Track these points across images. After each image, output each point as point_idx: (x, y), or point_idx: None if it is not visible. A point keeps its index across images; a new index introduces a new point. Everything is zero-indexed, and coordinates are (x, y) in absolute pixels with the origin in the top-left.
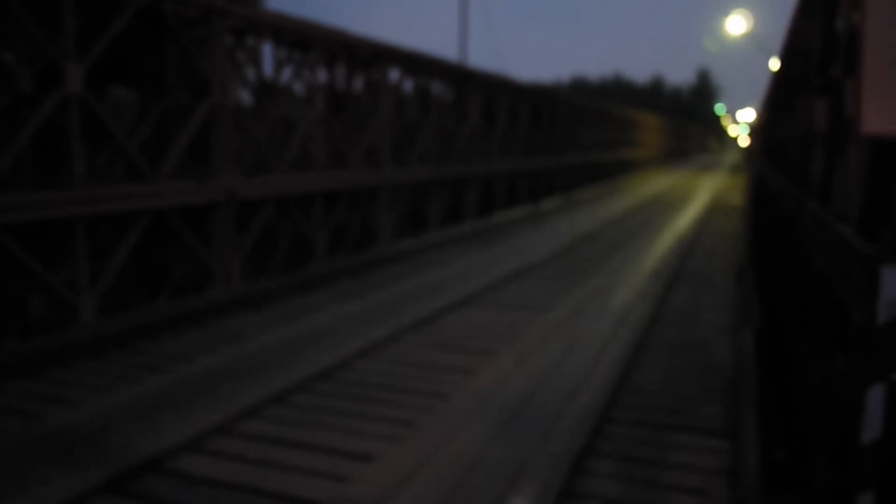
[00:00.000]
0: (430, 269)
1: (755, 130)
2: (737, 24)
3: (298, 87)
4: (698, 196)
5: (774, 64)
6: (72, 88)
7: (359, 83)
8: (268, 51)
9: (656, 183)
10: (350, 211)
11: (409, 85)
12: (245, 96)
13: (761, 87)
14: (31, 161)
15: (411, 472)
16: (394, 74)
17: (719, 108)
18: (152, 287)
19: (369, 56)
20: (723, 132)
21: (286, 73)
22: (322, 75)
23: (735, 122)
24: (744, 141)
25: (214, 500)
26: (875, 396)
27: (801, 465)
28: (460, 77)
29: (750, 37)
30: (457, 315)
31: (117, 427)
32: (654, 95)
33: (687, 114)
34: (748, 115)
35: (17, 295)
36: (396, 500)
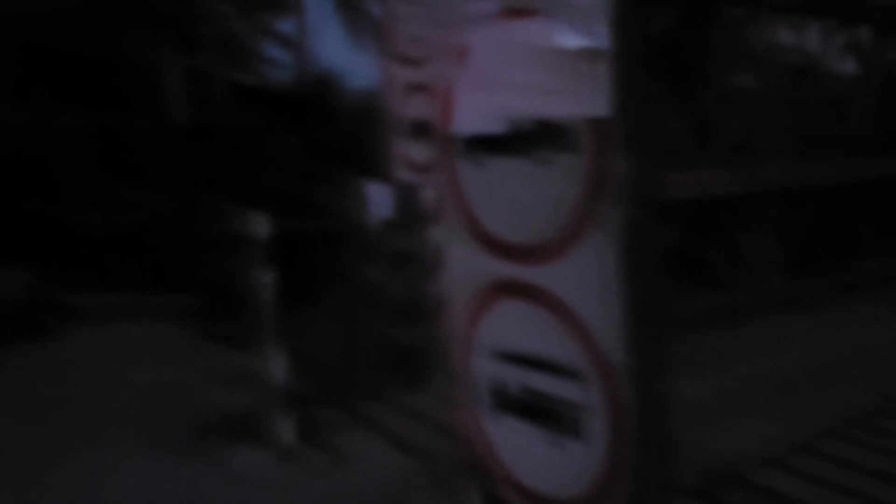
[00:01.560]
0: None
1: None
2: None
3: (847, 65)
4: None
5: None
6: None
7: None
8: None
9: None
10: None
11: None
12: (785, 78)
13: None
14: None
15: None
16: None
17: None
18: (688, 278)
19: None
20: None
21: (832, 50)
22: (875, 51)
23: None
24: None
25: None
26: None
27: None
28: None
29: None
30: None
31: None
32: None
33: None
34: None
35: None
36: None
